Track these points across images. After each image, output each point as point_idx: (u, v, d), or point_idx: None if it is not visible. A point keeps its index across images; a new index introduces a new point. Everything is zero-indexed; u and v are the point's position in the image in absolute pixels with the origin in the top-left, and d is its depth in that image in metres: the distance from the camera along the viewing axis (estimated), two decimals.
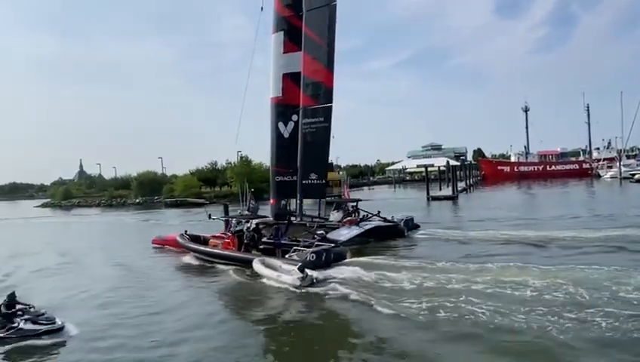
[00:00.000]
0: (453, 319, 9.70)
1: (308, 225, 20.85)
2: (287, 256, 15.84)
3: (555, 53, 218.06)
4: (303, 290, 13.06)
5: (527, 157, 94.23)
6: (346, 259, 16.32)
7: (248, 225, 17.65)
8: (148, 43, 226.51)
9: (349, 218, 21.01)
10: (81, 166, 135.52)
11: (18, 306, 9.92)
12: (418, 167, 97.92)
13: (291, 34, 21.49)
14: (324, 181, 21.04)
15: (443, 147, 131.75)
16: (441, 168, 60.75)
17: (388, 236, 21.29)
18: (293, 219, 21.72)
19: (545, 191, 53.78)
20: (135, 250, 22.32)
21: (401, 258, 16.97)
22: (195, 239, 19.57)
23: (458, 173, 59.14)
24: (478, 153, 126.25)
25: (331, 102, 20.37)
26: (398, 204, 44.27)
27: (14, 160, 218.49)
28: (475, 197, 50.09)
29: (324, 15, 20.26)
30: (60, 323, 9.78)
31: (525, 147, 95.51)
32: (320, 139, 20.69)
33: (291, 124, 21.58)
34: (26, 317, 9.62)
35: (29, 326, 9.48)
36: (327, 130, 20.46)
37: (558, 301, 10.39)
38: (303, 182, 21.19)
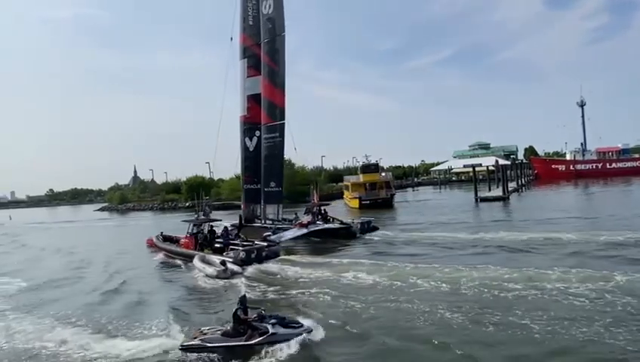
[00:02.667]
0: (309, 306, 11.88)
1: (269, 227, 23.85)
2: (224, 253, 18.91)
3: (612, 42, 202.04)
4: (223, 281, 16.07)
5: (584, 155, 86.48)
6: (278, 256, 19.22)
7: (202, 227, 20.99)
8: (195, 53, 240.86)
9: (299, 221, 23.71)
10: (135, 171, 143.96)
11: (251, 311, 9.21)
12: (465, 167, 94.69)
13: (253, 61, 24.66)
14: (280, 188, 23.94)
15: (491, 146, 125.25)
16: (490, 168, 57.22)
17: (341, 236, 23.68)
18: (259, 221, 25.03)
19: (605, 190, 49.66)
20: None
21: (331, 256, 19.35)
22: (169, 239, 23.32)
23: (508, 172, 55.30)
24: (530, 151, 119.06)
25: (284, 120, 23.30)
26: (442, 205, 42.62)
27: (75, 167, 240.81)
28: (527, 197, 46.88)
29: (276, 44, 23.27)
30: (307, 325, 9.14)
31: (582, 144, 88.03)
32: (276, 151, 23.73)
33: (255, 139, 24.76)
34: (272, 321, 8.86)
35: (282, 330, 8.77)
36: (282, 144, 23.41)
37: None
38: (265, 189, 24.30)
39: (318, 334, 9.09)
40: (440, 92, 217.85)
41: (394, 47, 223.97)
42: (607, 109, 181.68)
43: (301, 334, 8.84)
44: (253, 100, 24.71)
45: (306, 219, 25.73)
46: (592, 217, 25.69)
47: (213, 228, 21.42)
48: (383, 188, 45.54)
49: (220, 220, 22.57)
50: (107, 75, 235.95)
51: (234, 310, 9.03)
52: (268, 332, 8.71)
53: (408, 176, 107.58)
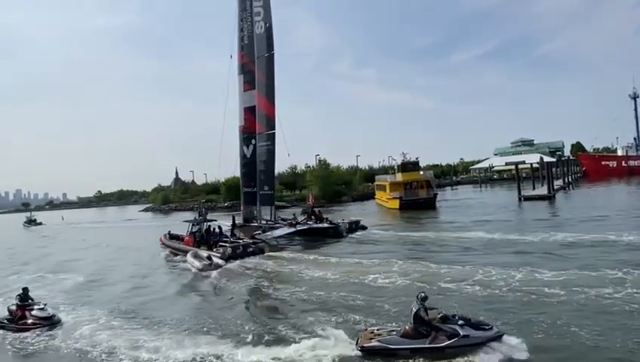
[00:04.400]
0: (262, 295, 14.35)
1: (263, 226, 26.43)
2: (214, 249, 21.57)
3: None
4: (206, 272, 18.76)
5: (637, 150, 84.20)
6: (264, 253, 21.70)
7: (200, 226, 23.80)
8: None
9: (289, 220, 26.13)
10: (176, 173, 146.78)
11: (430, 310, 8.46)
12: (507, 164, 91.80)
13: (249, 76, 27.27)
14: (272, 191, 26.48)
15: (535, 142, 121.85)
16: (534, 165, 54.88)
17: (328, 235, 25.81)
18: (256, 221, 27.67)
19: None
20: None
21: (309, 253, 21.59)
22: (175, 237, 26.28)
23: (554, 170, 53.23)
24: (577, 147, 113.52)
25: (274, 130, 25.80)
26: (484, 205, 41.52)
27: (121, 169, 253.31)
28: (575, 196, 45.03)
29: (267, 61, 25.79)
30: (496, 327, 8.41)
31: (635, 139, 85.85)
32: (269, 158, 26.27)
33: (251, 147, 27.37)
34: (459, 322, 8.17)
35: (473, 332, 8.04)
36: (273, 151, 25.98)
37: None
38: (261, 192, 26.89)
39: (510, 338, 8.29)
40: (480, 87, 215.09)
41: (432, 43, 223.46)
42: None
43: (494, 337, 8.11)
44: (249, 112, 27.34)
45: (301, 219, 28.20)
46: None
47: (210, 228, 24.12)
48: (423, 188, 42.63)
49: (215, 220, 25.26)
50: (152, 80, 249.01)
51: (415, 309, 8.43)
52: (458, 334, 8.02)
53: (446, 175, 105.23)
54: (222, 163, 46.60)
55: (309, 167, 76.34)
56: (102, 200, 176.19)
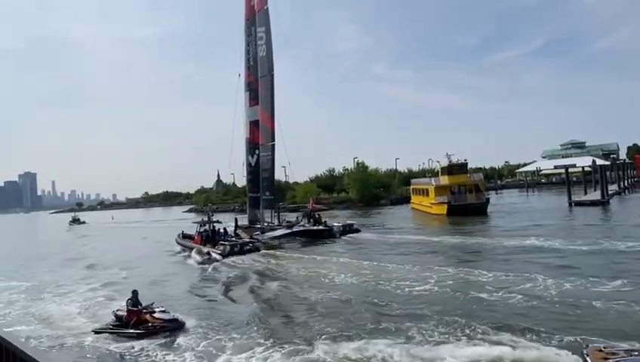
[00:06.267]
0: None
1: (263, 227, 29.53)
2: (215, 247, 24.78)
3: None
4: (205, 266, 22.06)
5: None
6: (259, 251, 24.71)
7: (206, 227, 27.13)
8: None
9: (287, 222, 29.07)
10: (218, 175, 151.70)
11: None
12: (556, 168, 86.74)
13: (254, 93, 30.49)
14: (273, 196, 29.55)
15: (587, 144, 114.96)
16: (586, 169, 52.54)
17: (322, 237, 28.53)
18: (259, 223, 30.80)
19: None
20: None
21: (301, 251, 24.50)
22: (188, 236, 29.74)
23: (608, 174, 51.04)
24: (634, 150, 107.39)
25: (274, 141, 28.90)
26: (532, 209, 40.37)
27: (166, 172, 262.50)
28: (632, 202, 42.77)
29: (269, 80, 28.94)
30: None
31: None
32: (270, 167, 29.34)
33: (255, 157, 30.53)
34: None
35: None
36: (273, 160, 29.12)
37: None
38: (263, 197, 30.00)
39: None
40: (526, 87, 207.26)
41: (475, 41, 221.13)
42: None
43: None
44: (254, 125, 30.55)
45: (303, 221, 31.12)
46: None
47: (215, 228, 27.39)
48: (472, 192, 39.33)
49: (220, 222, 28.55)
50: (192, 86, 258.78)
51: None
52: None
53: (490, 179, 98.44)
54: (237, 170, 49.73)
55: (347, 169, 76.67)
56: (148, 201, 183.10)
